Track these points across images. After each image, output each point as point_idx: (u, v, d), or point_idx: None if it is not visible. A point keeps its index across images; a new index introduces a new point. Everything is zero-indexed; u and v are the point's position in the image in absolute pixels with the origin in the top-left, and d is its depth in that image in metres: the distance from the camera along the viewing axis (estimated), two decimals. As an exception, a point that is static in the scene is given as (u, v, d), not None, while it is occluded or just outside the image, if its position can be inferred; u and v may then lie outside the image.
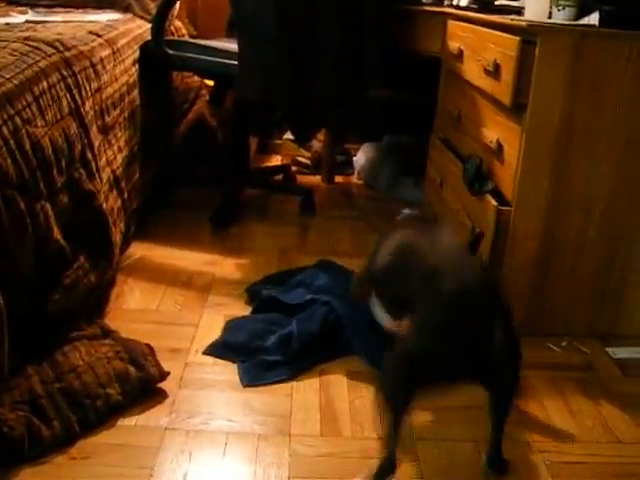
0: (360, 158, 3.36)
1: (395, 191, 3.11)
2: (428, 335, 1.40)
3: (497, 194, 2.00)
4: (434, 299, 1.42)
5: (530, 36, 1.80)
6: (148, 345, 1.77)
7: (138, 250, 2.45)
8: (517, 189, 1.89)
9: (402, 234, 1.75)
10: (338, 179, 3.37)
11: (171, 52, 2.59)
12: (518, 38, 1.83)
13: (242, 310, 2.08)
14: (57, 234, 1.75)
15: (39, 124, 1.72)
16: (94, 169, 1.96)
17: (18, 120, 1.63)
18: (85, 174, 1.91)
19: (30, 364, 1.65)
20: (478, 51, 2.14)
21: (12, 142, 1.58)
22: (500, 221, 1.93)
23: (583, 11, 1.92)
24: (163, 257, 2.42)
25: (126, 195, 2.28)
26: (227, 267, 2.39)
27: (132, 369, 1.68)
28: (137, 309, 2.08)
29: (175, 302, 2.12)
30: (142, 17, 2.99)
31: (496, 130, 2.03)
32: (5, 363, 1.48)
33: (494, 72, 1.97)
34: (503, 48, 1.92)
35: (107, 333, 1.85)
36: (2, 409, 1.48)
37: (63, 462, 1.48)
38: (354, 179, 3.38)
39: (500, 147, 1.98)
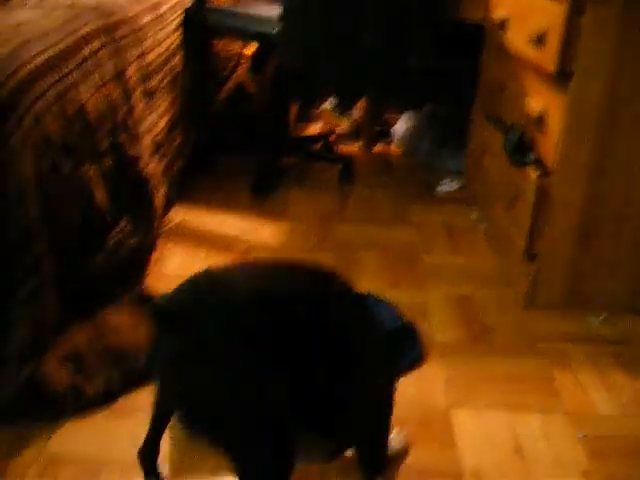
0: (400, 127, 3.33)
1: (435, 161, 3.09)
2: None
3: (538, 164, 1.98)
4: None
5: (578, 4, 1.77)
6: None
7: (178, 215, 2.48)
8: (559, 159, 1.87)
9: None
10: (377, 148, 3.36)
11: (212, 18, 2.59)
12: (565, 6, 1.79)
13: (280, 276, 2.10)
14: (101, 197, 1.78)
15: (84, 88, 1.74)
16: (137, 133, 1.99)
17: (64, 84, 1.65)
18: (128, 138, 1.93)
19: (74, 322, 1.69)
20: (523, 19, 2.11)
21: (58, 106, 1.61)
22: (541, 191, 1.92)
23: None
24: (203, 222, 2.46)
25: (167, 160, 2.30)
26: (266, 233, 2.41)
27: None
28: (177, 274, 2.11)
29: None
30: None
31: (539, 100, 2.00)
32: (51, 323, 1.52)
33: (539, 41, 1.93)
34: (549, 16, 1.88)
35: (149, 295, 1.88)
36: (47, 365, 1.53)
37: (105, 418, 1.54)
38: (393, 148, 3.37)
39: (543, 117, 1.96)
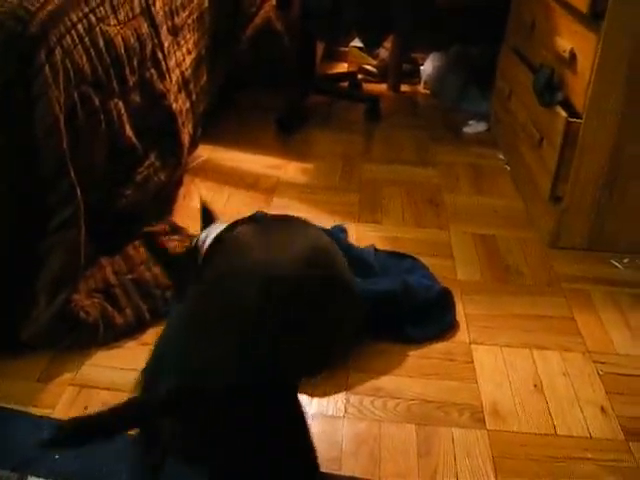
0: (427, 67, 3.29)
1: (461, 102, 3.06)
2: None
3: (567, 105, 1.96)
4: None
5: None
6: (215, 242, 1.84)
7: (205, 152, 2.49)
8: (589, 101, 1.85)
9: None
10: (404, 88, 3.32)
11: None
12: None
13: (306, 213, 2.12)
14: (129, 132, 1.80)
15: (112, 23, 1.74)
16: (164, 69, 1.99)
17: (93, 18, 1.65)
18: (156, 74, 1.94)
19: (104, 256, 1.73)
20: (557, -45, 2.06)
21: (87, 39, 1.61)
22: (569, 133, 1.90)
23: None
24: (229, 159, 2.47)
25: (194, 97, 2.30)
26: (291, 171, 2.42)
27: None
28: (203, 208, 2.14)
29: (241, 202, 2.18)
30: None
31: (570, 39, 1.97)
32: (82, 253, 1.56)
33: (573, -23, 1.90)
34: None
35: (176, 229, 1.92)
36: (78, 296, 1.58)
37: (134, 347, 1.58)
38: (420, 88, 3.33)
39: (573, 57, 1.93)
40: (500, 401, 1.48)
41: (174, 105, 2.02)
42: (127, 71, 1.79)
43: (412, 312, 1.66)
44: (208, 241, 1.35)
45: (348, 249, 1.80)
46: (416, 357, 1.60)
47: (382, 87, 3.30)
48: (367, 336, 1.63)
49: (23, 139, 1.43)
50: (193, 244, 1.42)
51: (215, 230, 1.38)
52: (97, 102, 1.64)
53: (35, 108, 1.43)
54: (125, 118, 1.78)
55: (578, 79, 1.90)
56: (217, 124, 2.68)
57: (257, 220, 1.36)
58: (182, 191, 2.20)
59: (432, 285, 1.75)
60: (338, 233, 1.97)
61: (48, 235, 1.49)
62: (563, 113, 1.92)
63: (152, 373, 1.02)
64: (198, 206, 2.11)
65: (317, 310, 1.15)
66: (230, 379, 0.95)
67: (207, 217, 1.48)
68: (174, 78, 2.10)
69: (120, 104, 1.75)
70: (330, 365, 1.31)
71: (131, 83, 1.81)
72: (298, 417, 1.04)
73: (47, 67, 1.45)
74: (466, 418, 1.44)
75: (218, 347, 0.97)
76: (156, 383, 0.97)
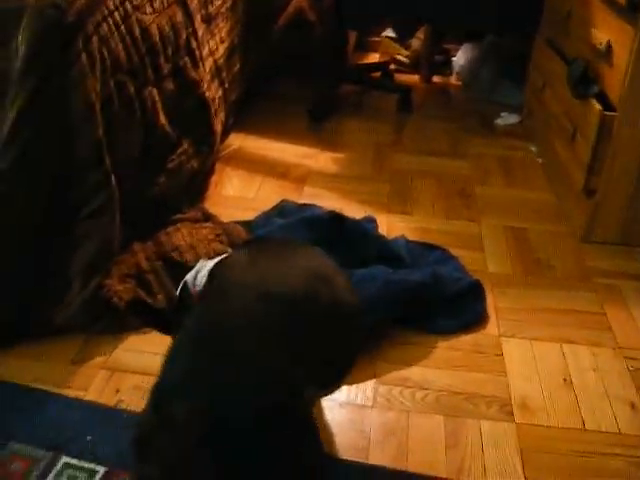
0: (460, 58, 3.27)
1: (494, 93, 3.03)
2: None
3: (602, 98, 1.93)
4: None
5: None
6: (245, 228, 1.85)
7: (237, 140, 2.51)
8: (624, 93, 1.82)
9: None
10: (436, 79, 3.31)
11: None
12: None
13: (336, 202, 2.13)
14: (163, 119, 1.82)
15: (148, 11, 1.76)
16: (198, 58, 2.00)
17: (129, 6, 1.67)
18: (190, 62, 1.95)
19: (136, 242, 1.75)
20: (595, -55, 2.03)
21: (123, 28, 1.63)
22: (604, 126, 1.88)
23: None
24: (261, 148, 2.48)
25: (227, 85, 2.32)
26: (323, 160, 2.43)
27: (230, 250, 1.77)
28: (235, 196, 2.16)
29: (272, 191, 2.19)
30: None
31: (607, 31, 1.94)
32: (116, 238, 1.58)
33: (611, -32, 1.87)
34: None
35: (208, 217, 1.93)
36: (111, 280, 1.60)
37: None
38: (452, 80, 3.31)
39: (609, 49, 1.90)
40: (529, 394, 1.48)
41: (207, 93, 2.04)
42: (162, 59, 1.80)
43: (442, 303, 1.66)
44: (200, 277, 1.34)
45: (377, 240, 1.80)
46: (445, 348, 1.60)
47: (414, 78, 3.29)
48: (396, 327, 1.63)
49: (60, 126, 1.46)
50: (177, 293, 1.43)
51: (203, 265, 1.37)
52: (132, 90, 1.66)
53: (72, 96, 1.45)
54: (159, 106, 1.79)
55: (614, 72, 1.88)
56: (249, 113, 2.70)
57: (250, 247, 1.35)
58: (214, 179, 2.22)
59: (463, 277, 1.75)
60: (367, 223, 1.97)
61: (82, 221, 1.51)
62: (598, 106, 1.90)
63: (163, 392, 0.99)
64: (230, 194, 2.15)
65: (325, 328, 1.17)
66: (259, 402, 0.93)
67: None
68: (207, 66, 2.12)
69: (154, 92, 1.77)
70: (339, 381, 1.32)
71: (165, 71, 1.83)
72: (314, 437, 1.03)
73: (84, 55, 1.47)
74: (494, 410, 1.44)
75: (239, 371, 0.96)
76: (169, 406, 0.94)
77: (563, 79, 2.16)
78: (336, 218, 1.82)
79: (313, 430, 1.01)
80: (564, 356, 1.60)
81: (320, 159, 2.43)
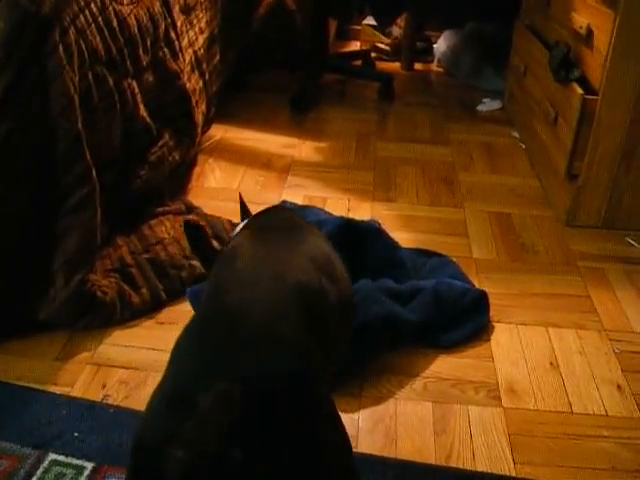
0: (441, 45, 3.27)
1: (476, 79, 3.04)
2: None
3: (583, 82, 1.94)
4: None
5: None
6: (230, 221, 1.84)
7: (218, 132, 2.49)
8: (606, 77, 1.83)
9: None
10: (417, 66, 3.31)
11: None
12: None
13: (320, 192, 2.13)
14: (143, 112, 1.80)
15: (125, 2, 1.74)
16: (177, 49, 1.98)
17: (105, -2, 1.65)
18: (169, 53, 1.93)
19: (120, 236, 1.74)
20: None
21: (100, 19, 1.61)
22: (585, 110, 1.88)
23: None
24: (243, 139, 2.47)
25: (207, 77, 2.30)
26: (306, 150, 2.42)
27: (215, 243, 1.75)
28: (218, 188, 2.15)
29: (255, 182, 2.18)
30: None
31: (587, 15, 1.95)
32: (98, 232, 1.56)
33: (590, -49, 1.87)
34: None
35: (190, 209, 1.92)
36: (95, 275, 1.58)
37: (152, 326, 1.59)
38: (434, 67, 3.31)
39: (590, 33, 1.90)
40: (516, 379, 1.49)
41: (187, 84, 2.02)
42: (140, 51, 1.78)
43: (446, 322, 1.61)
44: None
45: (384, 248, 1.77)
46: (434, 346, 1.59)
47: (395, 65, 3.28)
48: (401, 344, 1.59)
49: (39, 119, 1.44)
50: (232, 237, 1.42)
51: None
52: (111, 82, 1.64)
53: (50, 89, 1.43)
54: (139, 98, 1.78)
55: (595, 55, 1.88)
56: (230, 104, 2.68)
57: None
58: (196, 171, 2.21)
59: (466, 290, 1.67)
60: (373, 227, 1.86)
61: (64, 215, 1.50)
62: (579, 90, 1.90)
63: (178, 384, 0.91)
64: (213, 185, 2.14)
65: (332, 305, 1.16)
66: (288, 379, 0.89)
67: (244, 210, 1.48)
68: (187, 58, 2.10)
69: (134, 84, 1.75)
70: (340, 367, 1.32)
71: (144, 63, 1.81)
72: (338, 417, 0.99)
73: (61, 47, 1.45)
74: (482, 396, 1.44)
75: (263, 349, 0.92)
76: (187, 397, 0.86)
77: (544, 64, 2.16)
78: (345, 226, 1.76)
79: (336, 410, 0.99)
80: (550, 340, 1.60)
81: (303, 149, 2.42)
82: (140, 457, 0.90)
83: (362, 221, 1.85)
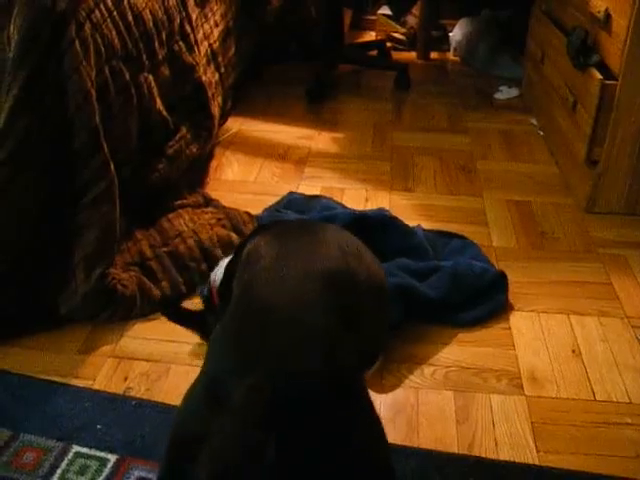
0: (456, 34, 3.24)
1: (493, 67, 3.01)
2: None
3: (602, 67, 1.92)
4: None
5: None
6: (248, 213, 1.84)
7: (235, 125, 2.49)
8: (625, 61, 1.80)
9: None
10: (433, 55, 3.28)
11: None
12: None
13: (338, 182, 2.13)
14: (160, 105, 1.80)
15: (140, -4, 1.74)
16: (193, 42, 1.98)
17: (120, -8, 1.65)
18: (185, 47, 1.93)
19: (138, 230, 1.74)
20: None
21: (116, 14, 1.61)
22: (605, 95, 1.86)
23: None
24: (259, 131, 2.47)
25: (223, 70, 2.30)
26: (322, 141, 2.41)
27: (234, 235, 1.76)
28: (236, 180, 2.15)
29: (272, 174, 2.18)
30: None
31: (606, -1, 1.92)
32: (118, 227, 1.57)
33: None
34: None
35: (208, 201, 1.92)
36: (115, 269, 1.59)
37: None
38: (450, 55, 3.29)
39: (608, 17, 1.88)
40: (538, 367, 1.48)
41: (203, 77, 2.02)
42: (156, 44, 1.79)
43: (463, 301, 1.62)
44: (219, 273, 1.37)
45: (398, 234, 1.76)
46: (452, 324, 1.59)
47: (411, 55, 3.26)
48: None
49: (56, 115, 1.44)
50: (205, 293, 1.46)
51: (222, 264, 1.38)
52: (128, 76, 1.64)
53: (67, 84, 1.44)
54: (155, 92, 1.78)
55: (613, 40, 1.86)
56: (246, 97, 2.68)
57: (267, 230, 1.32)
58: (213, 164, 2.21)
59: (485, 269, 1.67)
60: (383, 215, 1.85)
61: (82, 210, 1.50)
62: (598, 75, 1.88)
63: (215, 378, 0.92)
64: (230, 178, 2.14)
65: (365, 301, 1.17)
66: (324, 375, 0.89)
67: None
68: (202, 50, 2.10)
69: (150, 78, 1.75)
70: (379, 355, 1.32)
71: (160, 56, 1.82)
72: (376, 416, 0.97)
73: (77, 42, 1.45)
74: (504, 384, 1.43)
75: (298, 344, 0.93)
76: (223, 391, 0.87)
77: (562, 50, 2.14)
78: (356, 218, 1.77)
79: (370, 401, 0.98)
80: (572, 327, 1.59)
81: (319, 140, 2.42)
82: (177, 451, 0.91)
83: (371, 211, 1.85)
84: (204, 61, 2.10)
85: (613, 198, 1.98)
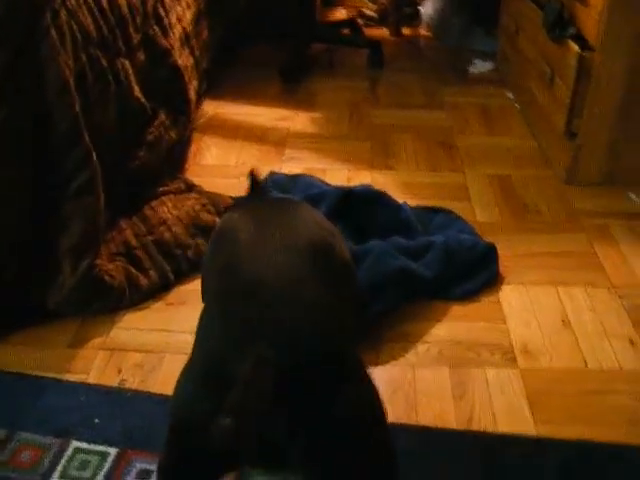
0: (428, 8, 3.22)
1: (466, 42, 3.00)
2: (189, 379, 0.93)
3: (579, 39, 1.92)
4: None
5: None
6: (232, 197, 1.83)
7: (210, 108, 2.46)
8: (602, 32, 1.81)
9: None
10: (405, 31, 3.26)
11: None
12: None
13: (319, 163, 2.12)
14: (137, 92, 1.77)
15: (112, -20, 1.70)
16: (167, 25, 1.95)
17: (93, -24, 1.61)
18: (159, 30, 1.90)
19: (122, 219, 1.72)
20: None
21: (91, 0, 1.58)
22: (582, 67, 1.87)
23: None
24: (235, 114, 2.44)
25: (197, 52, 2.26)
26: (300, 122, 2.40)
27: (219, 220, 1.74)
28: (216, 165, 2.13)
29: (252, 157, 2.16)
30: None
31: (580, -30, 1.93)
32: (102, 217, 1.55)
33: None
34: None
35: (191, 187, 1.90)
36: (101, 260, 1.57)
37: (161, 307, 1.59)
38: (422, 31, 3.27)
39: (584, -12, 1.89)
40: (530, 339, 1.49)
41: (179, 61, 1.99)
42: (131, 29, 1.75)
43: (456, 275, 1.63)
44: None
45: (386, 209, 1.76)
46: (442, 301, 1.60)
47: (382, 31, 3.24)
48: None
49: (35, 104, 1.41)
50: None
51: None
52: (105, 63, 1.61)
53: (45, 73, 1.41)
54: (132, 78, 1.75)
55: (590, 11, 1.86)
56: (220, 79, 2.64)
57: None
58: (192, 149, 2.18)
59: (475, 242, 1.69)
60: (373, 190, 1.87)
61: (66, 201, 1.47)
62: (575, 47, 1.88)
63: (212, 358, 0.91)
64: (210, 163, 2.12)
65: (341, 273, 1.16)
66: (327, 345, 0.89)
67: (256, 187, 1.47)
68: (176, 34, 2.07)
69: (127, 64, 1.72)
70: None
71: (136, 41, 1.78)
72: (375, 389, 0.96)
73: (53, 30, 1.41)
74: (498, 358, 1.44)
75: (299, 315, 0.91)
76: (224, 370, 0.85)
77: (537, 23, 2.14)
78: (345, 194, 1.77)
79: (364, 367, 0.98)
80: (560, 299, 1.61)
81: (297, 121, 2.40)
82: (180, 437, 0.90)
83: (358, 187, 1.86)
84: (178, 45, 2.06)
85: (593, 169, 2.00)
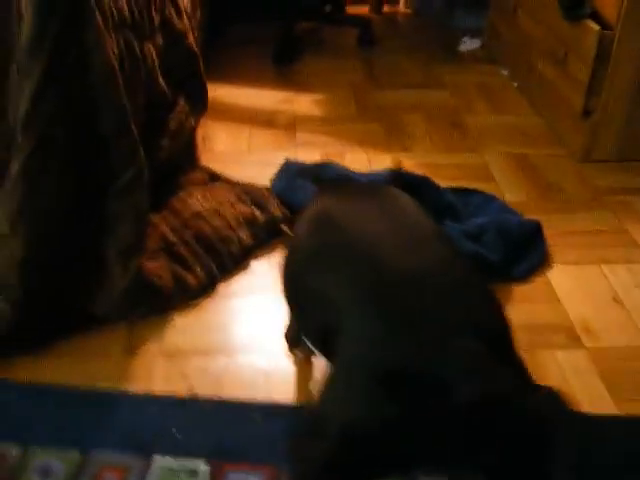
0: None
1: (449, 19, 2.97)
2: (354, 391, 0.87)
3: (595, 18, 1.93)
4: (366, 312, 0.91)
5: None
6: (267, 188, 1.76)
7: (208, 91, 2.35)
8: (624, 11, 1.82)
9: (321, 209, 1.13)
10: (385, 9, 3.21)
11: None
12: None
13: (334, 147, 2.07)
14: (160, 77, 1.67)
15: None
16: (181, 6, 1.84)
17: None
18: (174, 12, 1.79)
19: (152, 213, 1.62)
20: None
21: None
22: (602, 46, 1.88)
23: None
24: (235, 96, 2.35)
25: (196, 34, 2.16)
26: (304, 104, 2.33)
27: (257, 212, 1.67)
28: (228, 151, 2.05)
29: (264, 141, 2.09)
30: None
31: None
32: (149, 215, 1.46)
33: None
34: None
35: (214, 177, 1.82)
36: (145, 259, 1.47)
37: (210, 305, 1.51)
38: (401, 8, 3.23)
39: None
40: (588, 318, 1.49)
41: (194, 44, 1.89)
42: (153, 10, 1.65)
43: (513, 256, 1.63)
44: None
45: (434, 193, 1.74)
46: (506, 280, 1.58)
47: (362, 9, 3.17)
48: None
49: (82, 95, 1.30)
50: None
51: None
52: (137, 46, 1.51)
53: (92, 59, 1.30)
54: (157, 63, 1.65)
55: (609, -11, 1.87)
56: (213, 61, 2.53)
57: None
58: (200, 135, 2.07)
59: (521, 221, 1.71)
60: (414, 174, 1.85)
61: (113, 199, 1.37)
62: (595, 26, 1.89)
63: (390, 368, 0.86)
64: (222, 149, 2.03)
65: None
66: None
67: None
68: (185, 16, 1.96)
69: (151, 47, 1.62)
70: None
71: (156, 24, 1.68)
72: None
73: (98, 13, 1.31)
74: (563, 338, 1.44)
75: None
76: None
77: (544, 1, 2.13)
78: (391, 176, 1.75)
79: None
80: (606, 276, 1.62)
81: (300, 103, 2.33)
82: (347, 453, 0.85)
83: (402, 172, 1.83)
84: (189, 26, 1.96)
85: (609, 146, 2.02)
